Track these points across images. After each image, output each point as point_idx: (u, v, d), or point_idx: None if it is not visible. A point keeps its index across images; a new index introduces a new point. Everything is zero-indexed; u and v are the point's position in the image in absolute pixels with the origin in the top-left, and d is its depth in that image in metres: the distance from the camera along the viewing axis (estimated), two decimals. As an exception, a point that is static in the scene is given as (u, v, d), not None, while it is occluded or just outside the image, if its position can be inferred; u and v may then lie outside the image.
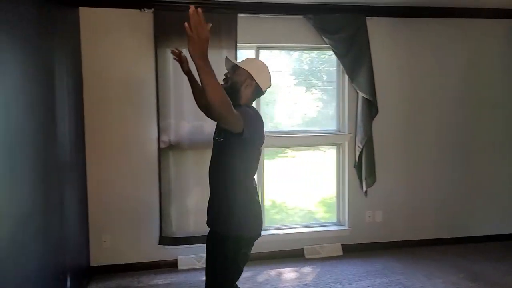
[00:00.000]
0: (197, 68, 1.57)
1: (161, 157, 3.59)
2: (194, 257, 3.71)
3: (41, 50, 2.50)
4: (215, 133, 2.15)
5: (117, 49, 3.52)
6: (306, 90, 4.10)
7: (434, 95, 4.11)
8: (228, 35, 3.59)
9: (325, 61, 4.08)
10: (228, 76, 2.13)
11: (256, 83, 2.09)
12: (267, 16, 3.70)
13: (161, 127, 3.58)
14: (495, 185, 4.30)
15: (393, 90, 4.01)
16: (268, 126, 3.95)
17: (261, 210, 2.14)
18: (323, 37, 3.75)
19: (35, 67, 2.38)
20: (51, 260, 2.58)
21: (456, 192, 4.22)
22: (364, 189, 3.96)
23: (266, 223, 3.98)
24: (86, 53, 3.45)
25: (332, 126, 4.10)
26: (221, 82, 2.02)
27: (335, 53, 3.79)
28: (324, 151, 4.26)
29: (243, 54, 3.82)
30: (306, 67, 4.11)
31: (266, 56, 3.88)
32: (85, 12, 3.42)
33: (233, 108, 1.73)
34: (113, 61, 3.51)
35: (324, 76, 4.12)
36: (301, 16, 3.74)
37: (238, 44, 3.60)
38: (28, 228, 2.19)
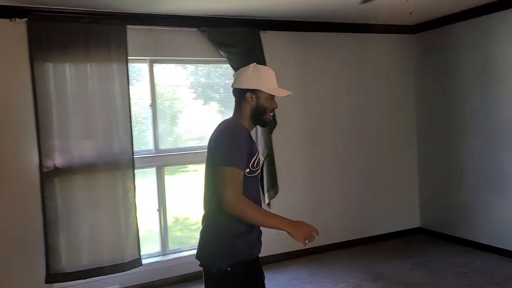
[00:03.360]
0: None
1: (44, 183, 3.18)
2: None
3: None
4: None
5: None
6: (204, 103, 4.00)
7: (331, 105, 4.30)
8: (118, 48, 3.36)
9: (220, 74, 4.03)
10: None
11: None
12: (159, 28, 3.54)
13: (43, 149, 3.18)
14: (388, 188, 4.63)
15: (291, 101, 4.07)
16: (167, 144, 3.77)
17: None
18: (219, 51, 3.69)
19: None
20: None
21: (354, 197, 4.44)
22: (267, 201, 3.92)
23: (170, 244, 3.79)
24: None
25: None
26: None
27: (232, 66, 3.74)
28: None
29: (136, 68, 3.60)
30: (203, 80, 4.02)
31: (160, 70, 3.69)
32: None
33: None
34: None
35: (221, 89, 4.07)
36: (195, 29, 3.64)
37: (129, 57, 3.38)
38: None
